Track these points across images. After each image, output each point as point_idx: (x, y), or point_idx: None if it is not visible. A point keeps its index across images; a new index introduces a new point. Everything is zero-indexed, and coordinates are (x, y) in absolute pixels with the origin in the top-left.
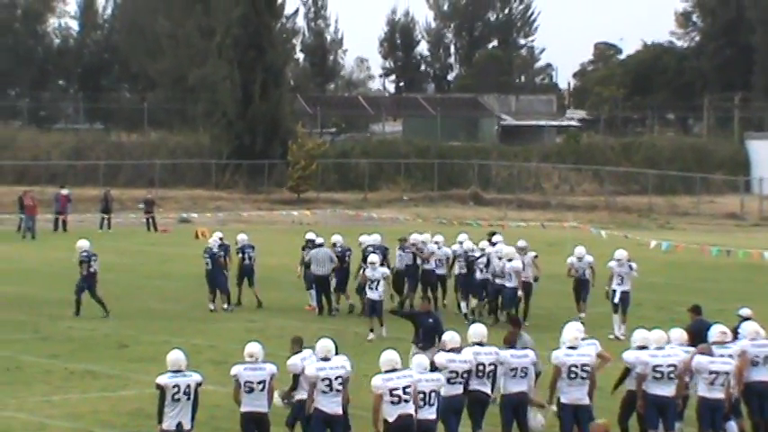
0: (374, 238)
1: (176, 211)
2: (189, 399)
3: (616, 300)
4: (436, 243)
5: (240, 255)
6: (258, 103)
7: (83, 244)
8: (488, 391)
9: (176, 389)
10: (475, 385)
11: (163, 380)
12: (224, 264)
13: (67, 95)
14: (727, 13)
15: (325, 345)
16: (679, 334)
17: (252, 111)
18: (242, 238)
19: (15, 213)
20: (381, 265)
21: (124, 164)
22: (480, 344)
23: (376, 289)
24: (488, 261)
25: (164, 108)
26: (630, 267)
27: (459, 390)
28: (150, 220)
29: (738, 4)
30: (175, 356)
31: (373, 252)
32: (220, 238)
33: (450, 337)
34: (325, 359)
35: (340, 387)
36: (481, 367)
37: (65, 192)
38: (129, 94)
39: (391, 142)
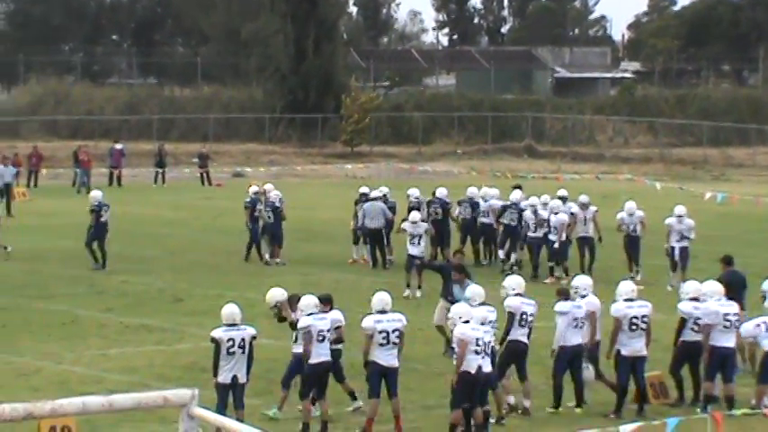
0: (441, 192)
1: (230, 166)
2: (243, 352)
3: (676, 256)
4: (482, 196)
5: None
6: (311, 58)
7: (95, 194)
8: (527, 340)
9: (231, 342)
10: (517, 335)
11: (217, 333)
12: (283, 216)
13: (121, 50)
14: None
15: (382, 298)
16: (715, 286)
17: (305, 65)
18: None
19: (70, 168)
20: (423, 221)
21: (177, 118)
22: (521, 294)
23: (418, 244)
24: (536, 213)
25: (217, 62)
26: (687, 225)
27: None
28: (204, 175)
29: None
30: (230, 310)
31: (415, 209)
32: (255, 193)
33: (514, 282)
34: (382, 312)
35: (396, 340)
36: (524, 316)
37: (119, 146)
38: (182, 48)
39: (444, 95)
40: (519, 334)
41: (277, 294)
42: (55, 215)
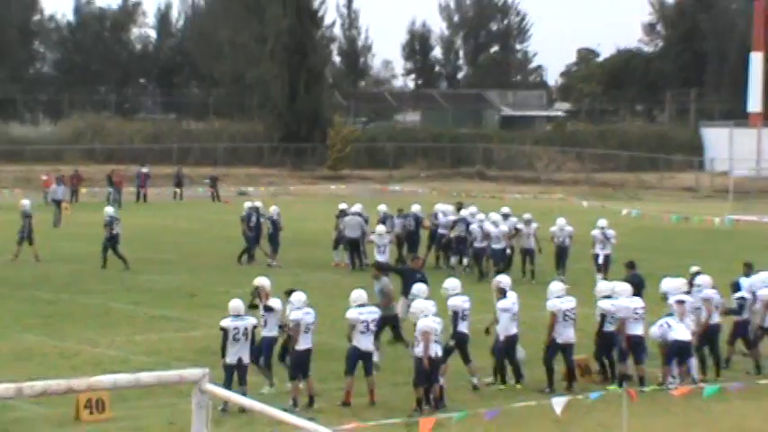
0: (415, 208)
1: (236, 186)
2: (247, 338)
3: (600, 261)
4: (442, 212)
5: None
6: (303, 98)
7: (108, 210)
8: (467, 331)
9: (236, 330)
10: (462, 328)
11: (225, 323)
12: (280, 227)
13: (147, 91)
14: (685, 24)
15: (361, 294)
16: (626, 285)
17: (297, 104)
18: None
19: (105, 187)
20: (388, 233)
21: (193, 147)
22: (458, 294)
23: (383, 252)
24: (482, 227)
25: (225, 101)
26: (607, 236)
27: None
28: (214, 193)
29: (694, 17)
30: (235, 304)
31: (382, 222)
32: (253, 208)
33: (452, 284)
34: (362, 306)
35: (374, 328)
36: (464, 312)
37: (145, 170)
38: (197, 89)
39: (411, 129)
40: (462, 327)
41: (264, 281)
42: (92, 226)
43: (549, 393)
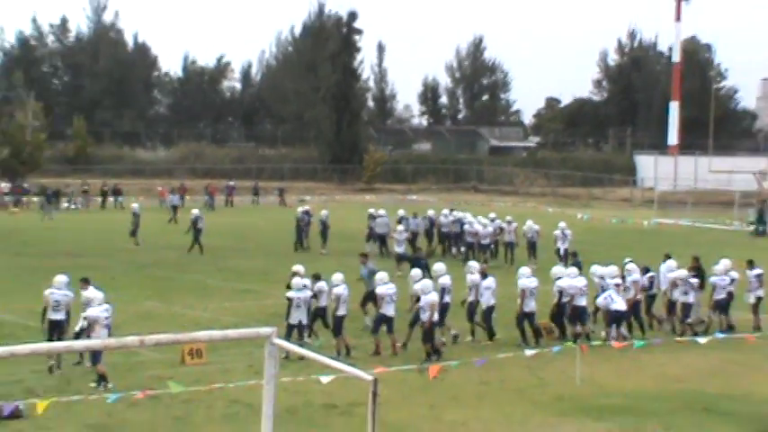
0: (430, 212)
1: (297, 195)
2: (305, 306)
3: (561, 253)
4: (444, 215)
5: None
6: (345, 132)
7: (194, 212)
8: (449, 300)
9: (298, 300)
10: (446, 299)
11: (290, 294)
12: (328, 226)
13: (233, 126)
14: (623, 81)
15: (384, 275)
16: (575, 269)
17: (341, 136)
18: (324, 213)
19: (202, 195)
20: (405, 231)
21: (266, 167)
22: (445, 274)
23: (400, 246)
24: (471, 227)
25: (290, 134)
26: (566, 234)
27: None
28: (281, 201)
29: (629, 75)
30: (297, 281)
31: (399, 223)
32: (305, 211)
33: (439, 267)
34: (386, 283)
35: (395, 299)
36: (446, 288)
37: (231, 183)
38: (270, 125)
39: (424, 155)
40: (447, 298)
41: (299, 269)
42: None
43: (523, 347)
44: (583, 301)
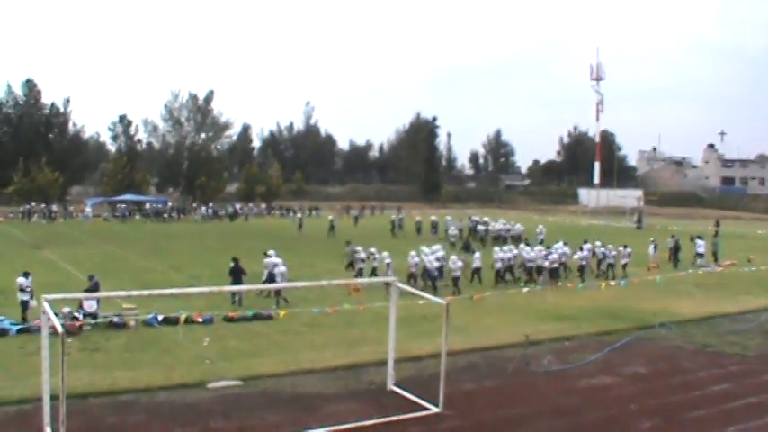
0: (474, 217)
1: (406, 209)
2: (414, 266)
3: (540, 239)
4: (477, 220)
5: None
6: (430, 174)
7: (330, 217)
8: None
9: (412, 263)
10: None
11: (410, 260)
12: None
13: (374, 175)
14: (571, 151)
15: (438, 247)
16: (541, 247)
17: (429, 176)
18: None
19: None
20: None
21: (391, 195)
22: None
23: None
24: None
25: (404, 179)
26: (543, 231)
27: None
28: (398, 212)
29: (575, 148)
30: (413, 252)
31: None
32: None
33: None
34: (434, 253)
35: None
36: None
37: (373, 204)
38: (393, 174)
39: (471, 189)
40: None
41: (385, 255)
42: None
43: (521, 286)
44: (546, 264)
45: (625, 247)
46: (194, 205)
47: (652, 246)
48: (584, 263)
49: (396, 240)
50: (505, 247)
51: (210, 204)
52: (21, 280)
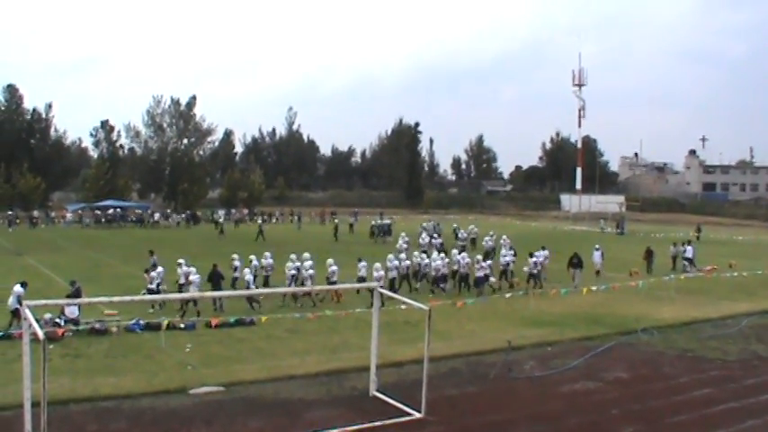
0: (470, 228)
1: (388, 215)
2: (394, 269)
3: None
4: (457, 229)
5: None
6: (413, 180)
7: (376, 222)
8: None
9: (391, 266)
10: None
11: (388, 264)
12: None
13: (357, 180)
14: (554, 156)
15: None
16: (511, 251)
17: (412, 181)
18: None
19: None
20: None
21: (372, 201)
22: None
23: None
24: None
25: (386, 184)
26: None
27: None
28: (381, 216)
29: (557, 154)
30: (391, 256)
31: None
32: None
33: (454, 252)
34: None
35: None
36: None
37: (355, 209)
38: (375, 180)
39: (454, 195)
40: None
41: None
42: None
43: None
44: (535, 270)
45: (543, 248)
46: (168, 211)
47: (598, 253)
48: (534, 271)
49: (346, 246)
50: (503, 251)
51: (188, 211)
52: (18, 289)
